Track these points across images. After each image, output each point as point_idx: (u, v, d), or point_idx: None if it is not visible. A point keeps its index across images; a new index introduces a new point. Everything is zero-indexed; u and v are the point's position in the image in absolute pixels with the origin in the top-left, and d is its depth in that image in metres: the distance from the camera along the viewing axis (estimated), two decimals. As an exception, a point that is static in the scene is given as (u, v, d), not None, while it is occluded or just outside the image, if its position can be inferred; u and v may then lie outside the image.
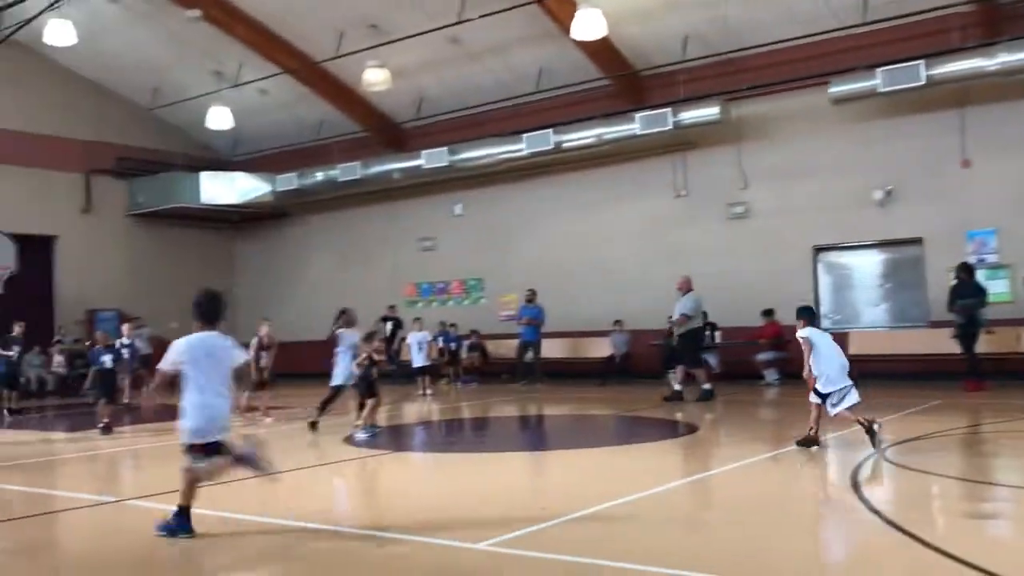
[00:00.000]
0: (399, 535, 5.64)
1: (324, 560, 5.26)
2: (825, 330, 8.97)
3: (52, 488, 8.59)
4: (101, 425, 12.21)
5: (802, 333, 8.58)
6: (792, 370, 16.81)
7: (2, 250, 18.81)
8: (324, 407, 11.60)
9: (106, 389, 12.63)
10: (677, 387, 13.99)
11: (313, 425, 11.46)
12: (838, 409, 8.38)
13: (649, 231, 19.45)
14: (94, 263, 23.33)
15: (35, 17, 17.06)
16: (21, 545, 6.06)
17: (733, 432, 11.22)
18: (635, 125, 18.06)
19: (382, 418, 12.13)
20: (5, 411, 15.19)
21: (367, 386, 11.10)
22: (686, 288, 14.27)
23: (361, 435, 10.73)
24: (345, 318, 11.74)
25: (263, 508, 6.68)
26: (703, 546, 5.36)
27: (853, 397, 8.36)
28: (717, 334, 17.50)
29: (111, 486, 8.92)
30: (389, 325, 20.71)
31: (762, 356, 16.83)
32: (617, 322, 18.47)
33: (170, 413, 6.10)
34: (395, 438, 11.67)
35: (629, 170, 19.69)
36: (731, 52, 17.57)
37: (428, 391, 17.10)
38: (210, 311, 6.00)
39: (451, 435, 12.40)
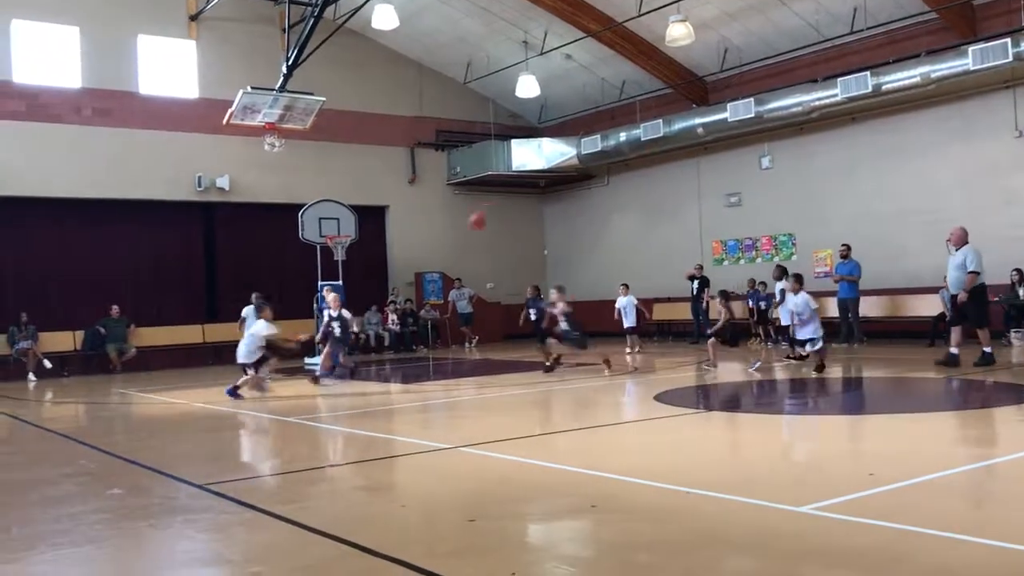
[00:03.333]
0: (716, 493, 5.64)
1: (639, 512, 5.38)
2: None
3: (394, 434, 9.51)
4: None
5: None
6: None
7: (344, 221, 20.89)
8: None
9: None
10: (986, 349, 12.68)
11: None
12: None
13: (982, 176, 17.62)
14: (420, 230, 25.29)
15: (363, 5, 18.62)
16: (374, 483, 6.79)
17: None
18: (967, 60, 16.33)
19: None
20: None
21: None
22: (961, 240, 12.72)
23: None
24: None
25: (581, 461, 6.95)
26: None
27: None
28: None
29: (442, 433, 9.69)
30: (696, 284, 20.61)
31: None
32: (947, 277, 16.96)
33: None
34: (703, 397, 11.63)
35: (958, 110, 17.91)
36: (1087, -34, 15.36)
37: (636, 348, 18.63)
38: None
39: (763, 396, 12.11)
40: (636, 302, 18.79)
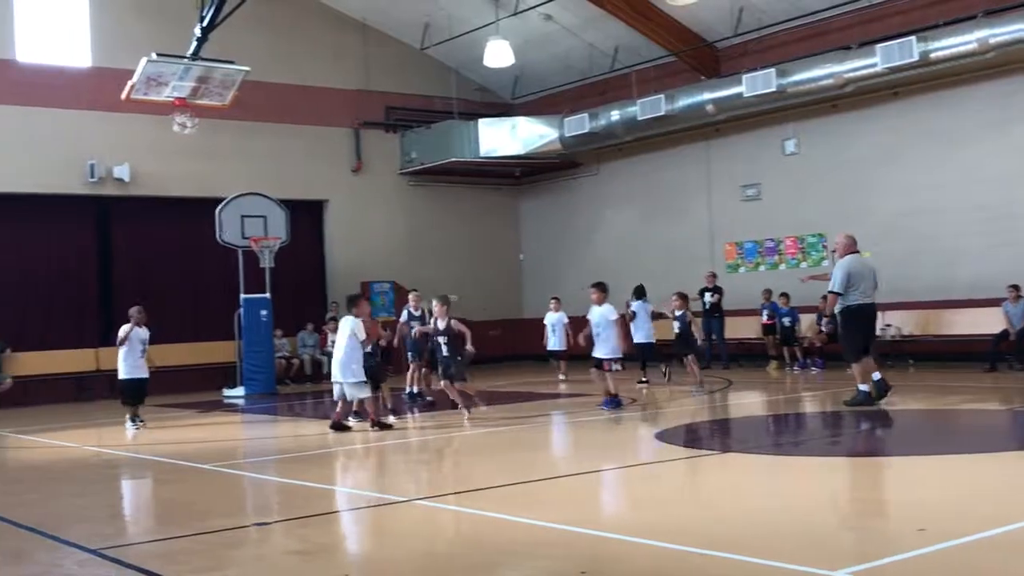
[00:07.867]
0: (732, 555, 5.65)
1: (644, 581, 5.38)
2: None
3: (335, 484, 9.43)
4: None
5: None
6: None
7: (272, 219, 20.75)
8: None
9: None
10: (861, 387, 12.31)
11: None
12: None
13: (1054, 164, 17.91)
14: (366, 230, 25.18)
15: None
16: (311, 545, 6.74)
17: None
18: (1033, 23, 16.57)
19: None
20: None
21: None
22: (844, 251, 12.42)
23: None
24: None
25: (567, 515, 6.93)
26: None
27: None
28: None
29: (397, 483, 9.65)
30: (708, 296, 20.77)
31: None
32: (1013, 287, 17.19)
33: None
34: (721, 435, 11.66)
35: (1024, 83, 18.20)
36: None
37: (562, 376, 19.19)
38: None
39: (791, 433, 12.17)
40: (566, 321, 19.09)
